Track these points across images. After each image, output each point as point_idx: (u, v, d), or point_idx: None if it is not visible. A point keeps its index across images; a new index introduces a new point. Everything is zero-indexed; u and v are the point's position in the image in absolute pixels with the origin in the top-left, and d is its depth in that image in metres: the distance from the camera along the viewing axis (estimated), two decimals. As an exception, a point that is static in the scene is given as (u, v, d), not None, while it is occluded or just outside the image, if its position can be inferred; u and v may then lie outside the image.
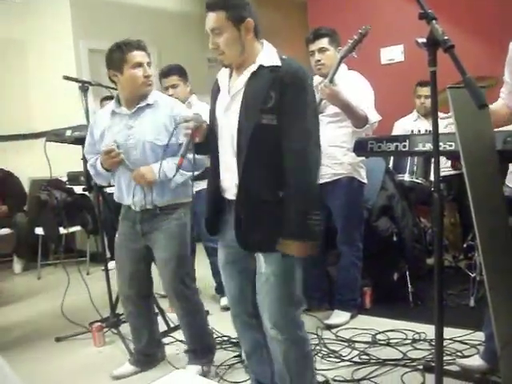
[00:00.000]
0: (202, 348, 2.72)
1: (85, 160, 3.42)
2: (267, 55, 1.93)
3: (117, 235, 2.71)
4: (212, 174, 2.08)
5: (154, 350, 2.87)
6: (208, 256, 3.78)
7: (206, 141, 2.05)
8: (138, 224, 2.58)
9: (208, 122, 2.07)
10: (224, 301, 3.64)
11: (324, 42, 3.19)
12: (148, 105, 2.54)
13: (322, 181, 3.12)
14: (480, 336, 2.67)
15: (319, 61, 3.19)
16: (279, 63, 1.90)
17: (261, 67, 1.91)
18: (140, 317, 2.77)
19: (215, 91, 2.07)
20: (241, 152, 1.91)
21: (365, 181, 3.32)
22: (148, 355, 2.85)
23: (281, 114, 1.87)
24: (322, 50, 3.19)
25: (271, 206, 1.91)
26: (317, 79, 3.16)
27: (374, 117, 3.13)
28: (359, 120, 3.08)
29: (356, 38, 3.03)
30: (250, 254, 2.04)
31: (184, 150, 2.07)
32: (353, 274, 3.36)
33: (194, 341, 2.72)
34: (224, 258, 2.15)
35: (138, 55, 2.47)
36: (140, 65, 2.48)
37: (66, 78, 3.18)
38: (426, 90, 4.38)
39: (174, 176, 2.40)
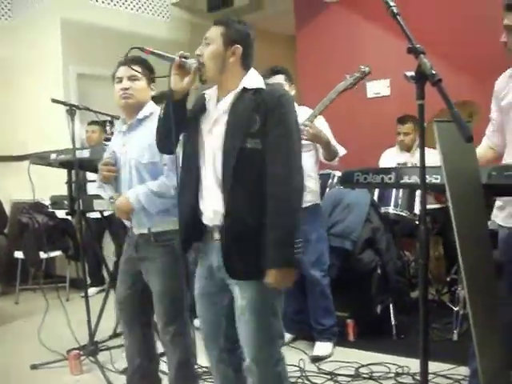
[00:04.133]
0: None
1: (69, 184, 3.41)
2: (251, 79, 1.95)
3: (121, 259, 2.65)
4: (189, 193, 2.00)
5: (148, 376, 2.70)
6: None
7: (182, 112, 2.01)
8: (134, 248, 2.51)
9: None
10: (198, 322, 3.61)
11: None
12: (138, 120, 2.49)
13: None
14: (463, 371, 2.66)
15: None
16: (263, 86, 1.93)
17: (244, 90, 1.92)
18: (133, 340, 2.62)
19: (198, 107, 2.03)
20: (226, 177, 1.88)
21: None
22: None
23: (265, 138, 1.86)
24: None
25: (255, 232, 1.86)
26: None
27: (341, 151, 3.33)
28: (331, 154, 3.26)
29: (358, 75, 3.17)
30: (225, 287, 1.99)
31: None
32: (327, 299, 3.36)
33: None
34: (199, 289, 2.10)
35: (120, 70, 2.48)
36: (120, 79, 2.47)
37: (54, 101, 3.17)
38: (404, 128, 4.47)
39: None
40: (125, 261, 2.60)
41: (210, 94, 2.03)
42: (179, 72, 1.93)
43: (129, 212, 2.41)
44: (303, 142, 3.15)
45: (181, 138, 2.09)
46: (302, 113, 3.25)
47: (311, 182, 3.28)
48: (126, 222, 2.55)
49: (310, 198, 3.26)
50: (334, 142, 3.30)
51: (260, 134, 1.86)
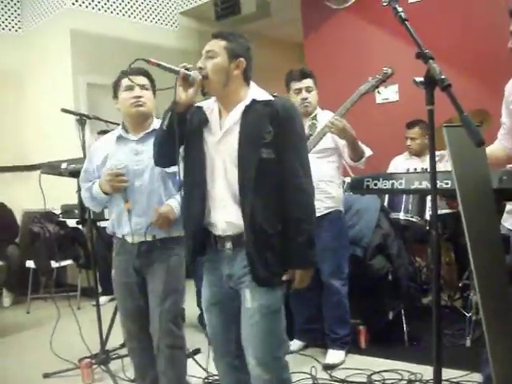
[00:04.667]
0: None
1: (79, 193, 3.42)
2: (257, 92, 1.99)
3: (113, 271, 2.60)
4: (196, 206, 2.00)
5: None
6: (195, 284, 3.72)
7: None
8: (135, 258, 2.48)
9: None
10: None
11: (310, 82, 3.30)
12: (155, 130, 2.46)
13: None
14: (477, 377, 2.63)
15: (306, 99, 3.27)
16: (272, 98, 1.97)
17: (254, 102, 1.94)
18: (145, 353, 2.59)
19: (198, 119, 2.02)
20: (244, 189, 1.90)
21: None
22: None
23: (279, 149, 1.91)
24: (308, 89, 3.28)
25: (274, 239, 1.92)
26: None
27: (368, 151, 3.23)
28: (358, 153, 3.16)
29: (380, 78, 3.10)
30: (234, 295, 2.01)
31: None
32: (344, 309, 3.33)
33: None
34: (208, 298, 2.11)
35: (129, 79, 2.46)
36: (131, 88, 2.45)
37: (64, 110, 3.20)
38: (411, 132, 4.46)
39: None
40: (124, 273, 2.54)
41: (209, 105, 2.04)
42: (183, 84, 1.95)
43: (173, 220, 2.40)
44: (324, 147, 3.18)
45: (181, 151, 2.08)
46: (325, 116, 3.24)
47: (333, 188, 3.25)
48: (122, 232, 2.50)
49: (331, 203, 3.25)
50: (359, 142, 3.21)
51: (273, 144, 1.90)
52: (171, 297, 2.46)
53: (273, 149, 1.90)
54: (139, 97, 2.45)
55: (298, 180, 1.94)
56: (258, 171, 1.89)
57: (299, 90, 3.28)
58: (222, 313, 2.08)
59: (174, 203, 2.41)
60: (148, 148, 2.45)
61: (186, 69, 1.95)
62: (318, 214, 3.14)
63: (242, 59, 1.96)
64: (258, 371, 1.95)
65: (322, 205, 3.20)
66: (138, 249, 2.47)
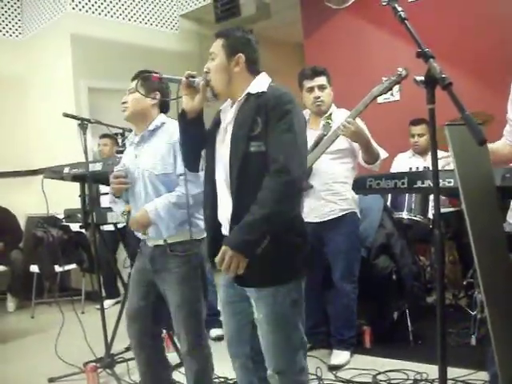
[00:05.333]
0: None
1: (83, 197, 3.43)
2: (256, 84, 1.95)
3: (133, 270, 2.64)
4: (210, 207, 2.03)
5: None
6: None
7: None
8: (148, 260, 2.48)
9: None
10: (214, 332, 3.69)
11: (323, 80, 3.24)
12: (150, 131, 2.49)
13: (329, 217, 3.19)
14: (483, 376, 2.62)
15: (319, 97, 3.23)
16: (265, 89, 1.91)
17: (248, 95, 1.93)
18: (142, 354, 2.58)
19: (214, 123, 2.06)
20: (232, 184, 1.89)
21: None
22: None
23: (267, 139, 1.84)
24: (321, 87, 3.24)
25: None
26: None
27: (383, 153, 3.19)
28: (372, 156, 3.12)
29: (394, 79, 3.02)
30: (246, 296, 1.98)
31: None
32: (352, 312, 3.32)
33: None
34: (223, 297, 2.10)
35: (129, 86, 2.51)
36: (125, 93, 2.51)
37: (66, 115, 3.20)
38: (418, 129, 4.42)
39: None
40: (137, 271, 2.57)
41: (225, 106, 2.05)
42: (189, 92, 1.96)
43: (147, 226, 2.39)
44: (337, 148, 3.15)
45: (203, 153, 2.12)
46: (341, 115, 3.21)
47: (347, 189, 3.16)
48: (139, 235, 2.52)
49: (345, 205, 3.22)
50: (374, 144, 3.16)
51: (263, 136, 1.84)
52: (186, 307, 2.44)
53: (263, 141, 1.84)
54: (124, 102, 2.50)
55: (274, 166, 1.79)
56: (244, 166, 1.84)
57: (311, 89, 3.23)
58: (236, 313, 2.07)
59: (150, 207, 2.38)
60: (142, 151, 2.49)
61: (192, 76, 1.96)
62: (332, 217, 3.22)
63: (240, 54, 1.94)
64: (275, 377, 1.94)
65: (337, 207, 3.20)
66: (153, 252, 2.48)
